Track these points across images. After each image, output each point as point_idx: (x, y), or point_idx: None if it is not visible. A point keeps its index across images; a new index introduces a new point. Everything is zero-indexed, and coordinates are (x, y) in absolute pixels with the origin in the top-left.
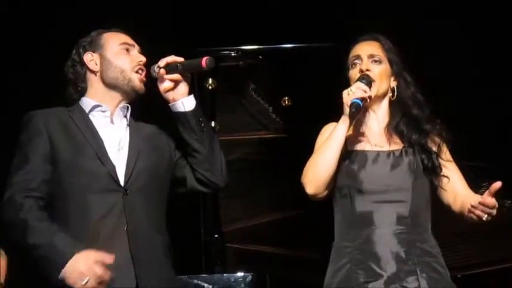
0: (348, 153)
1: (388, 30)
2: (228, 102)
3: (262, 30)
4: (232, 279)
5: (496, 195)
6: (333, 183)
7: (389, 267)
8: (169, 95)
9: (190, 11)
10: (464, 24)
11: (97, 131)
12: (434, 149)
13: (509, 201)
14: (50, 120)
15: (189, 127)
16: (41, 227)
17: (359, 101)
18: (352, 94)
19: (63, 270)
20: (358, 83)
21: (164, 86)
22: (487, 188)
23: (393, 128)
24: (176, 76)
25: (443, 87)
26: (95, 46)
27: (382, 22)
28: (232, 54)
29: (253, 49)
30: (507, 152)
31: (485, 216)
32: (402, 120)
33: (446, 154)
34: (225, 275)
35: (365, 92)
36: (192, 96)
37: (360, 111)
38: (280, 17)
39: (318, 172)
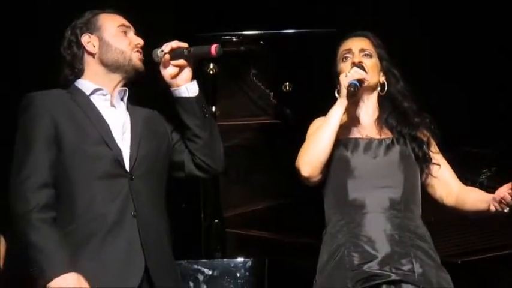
0: (340, 141)
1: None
2: (229, 87)
3: (264, 15)
4: (232, 264)
5: (495, 180)
6: (326, 169)
7: (384, 249)
8: (173, 81)
9: None
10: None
11: (101, 115)
12: (423, 138)
13: None
14: (52, 103)
15: (192, 113)
16: (42, 229)
17: (356, 82)
18: (350, 76)
19: (50, 283)
20: (355, 68)
21: (169, 71)
22: (487, 174)
23: (383, 121)
24: (181, 62)
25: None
26: (92, 28)
27: (384, 8)
28: (234, 39)
29: (254, 34)
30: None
31: (507, 208)
32: (392, 114)
33: (435, 147)
34: (224, 260)
35: (361, 74)
36: (195, 81)
37: (357, 92)
38: (282, 2)
39: (313, 154)
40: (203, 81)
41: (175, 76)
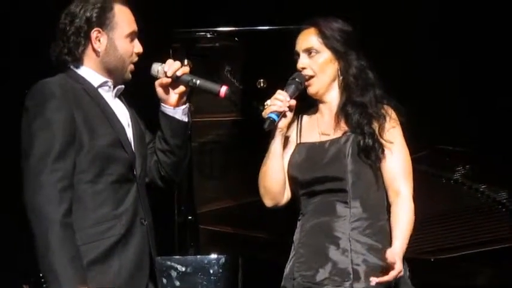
0: (297, 146)
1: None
2: None
3: (239, 11)
4: (206, 261)
5: (471, 179)
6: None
7: (325, 261)
8: (167, 99)
9: None
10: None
11: (116, 114)
12: (376, 129)
13: (484, 186)
14: (72, 97)
15: (176, 133)
16: (64, 236)
17: (274, 116)
18: (267, 108)
19: None
20: (278, 92)
21: (167, 95)
22: (461, 172)
23: (340, 112)
24: (183, 89)
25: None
26: (105, 24)
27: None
28: (208, 36)
29: (229, 31)
30: (486, 137)
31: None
32: (347, 106)
33: (388, 134)
34: (198, 256)
35: (282, 102)
36: (188, 104)
37: (277, 125)
38: None
39: (267, 186)
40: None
41: (171, 98)
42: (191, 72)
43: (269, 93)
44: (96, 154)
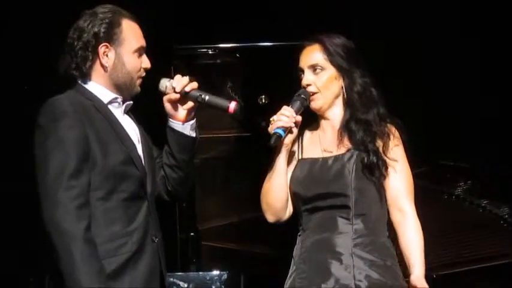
0: (298, 162)
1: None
2: None
3: (240, 27)
4: (208, 278)
5: (473, 194)
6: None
7: (327, 277)
8: (175, 114)
9: (167, 7)
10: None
11: (127, 131)
12: (380, 147)
13: (486, 201)
14: (83, 114)
15: (184, 149)
16: (87, 250)
17: (281, 131)
18: (274, 124)
19: None
20: (284, 107)
21: (181, 114)
22: (463, 187)
23: (344, 128)
24: (192, 104)
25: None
26: (113, 39)
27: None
28: (210, 52)
29: (230, 47)
30: (487, 152)
31: None
32: (350, 123)
33: (392, 152)
34: (200, 273)
35: (288, 117)
36: (195, 119)
37: (283, 140)
38: (258, 14)
39: (269, 202)
40: None
41: (180, 113)
42: None
43: (271, 109)
44: (109, 172)
